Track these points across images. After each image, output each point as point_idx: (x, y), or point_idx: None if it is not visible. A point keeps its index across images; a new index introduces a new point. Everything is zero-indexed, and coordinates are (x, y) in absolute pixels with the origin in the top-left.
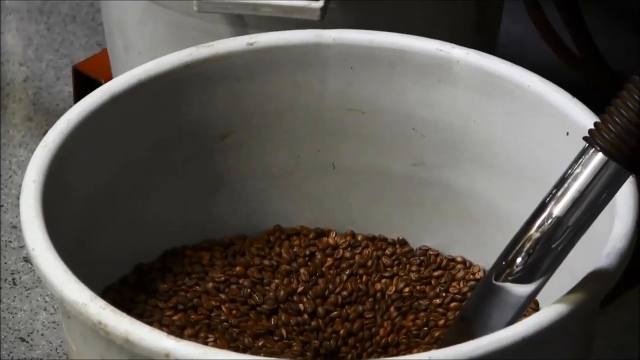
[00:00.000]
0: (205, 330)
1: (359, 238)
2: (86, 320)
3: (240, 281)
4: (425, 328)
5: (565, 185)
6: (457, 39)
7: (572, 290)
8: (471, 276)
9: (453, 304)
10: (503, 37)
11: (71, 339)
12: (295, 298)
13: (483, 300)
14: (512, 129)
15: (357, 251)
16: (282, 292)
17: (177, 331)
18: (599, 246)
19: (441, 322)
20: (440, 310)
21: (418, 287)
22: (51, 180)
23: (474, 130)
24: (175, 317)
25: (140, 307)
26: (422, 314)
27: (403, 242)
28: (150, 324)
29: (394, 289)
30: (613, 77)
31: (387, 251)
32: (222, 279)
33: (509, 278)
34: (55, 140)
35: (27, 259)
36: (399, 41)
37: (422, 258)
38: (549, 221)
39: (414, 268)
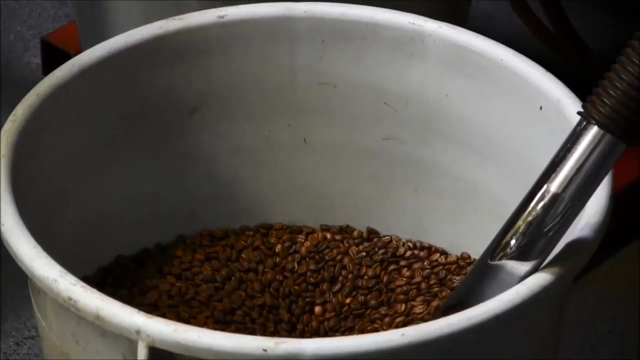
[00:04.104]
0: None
1: (328, 236)
2: (56, 296)
3: (253, 314)
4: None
5: (561, 161)
6: (428, 12)
7: (545, 267)
8: (427, 265)
9: (401, 297)
10: (473, 11)
11: (41, 315)
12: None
13: (479, 281)
14: (484, 104)
15: (324, 254)
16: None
17: None
18: (574, 222)
19: (376, 325)
20: (383, 311)
21: (362, 298)
22: (20, 155)
23: (446, 105)
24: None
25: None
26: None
27: (370, 233)
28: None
29: (336, 309)
30: (587, 53)
31: (351, 250)
32: (239, 304)
33: (507, 257)
34: (25, 114)
35: None
36: (371, 14)
37: (382, 252)
38: (547, 198)
39: (369, 273)
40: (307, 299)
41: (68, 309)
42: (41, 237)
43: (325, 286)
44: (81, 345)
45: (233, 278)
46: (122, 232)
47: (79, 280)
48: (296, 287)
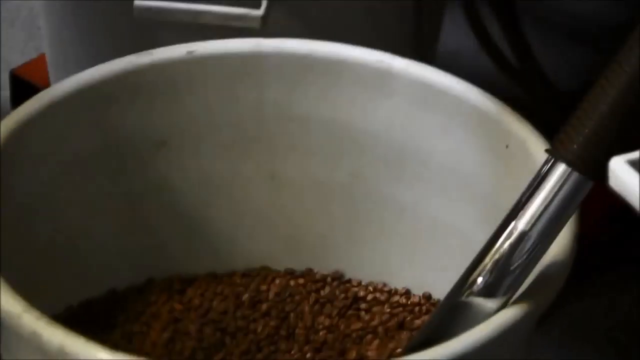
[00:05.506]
0: None
1: (291, 283)
2: (20, 331)
3: None
4: None
5: (529, 198)
6: (396, 48)
7: (510, 305)
8: (387, 308)
9: (355, 342)
10: (441, 46)
11: (4, 350)
12: None
13: (447, 319)
14: (451, 142)
15: (286, 303)
16: None
17: None
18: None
19: None
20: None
21: (310, 355)
22: None
23: (413, 143)
24: None
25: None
26: None
27: (335, 278)
28: None
29: None
30: (551, 89)
31: (311, 297)
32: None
33: (474, 294)
34: None
35: None
36: (340, 51)
37: (343, 298)
38: (514, 236)
39: (326, 323)
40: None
41: (32, 344)
42: (6, 270)
43: (283, 346)
44: None
45: (216, 342)
46: (88, 270)
47: (43, 315)
48: (259, 356)
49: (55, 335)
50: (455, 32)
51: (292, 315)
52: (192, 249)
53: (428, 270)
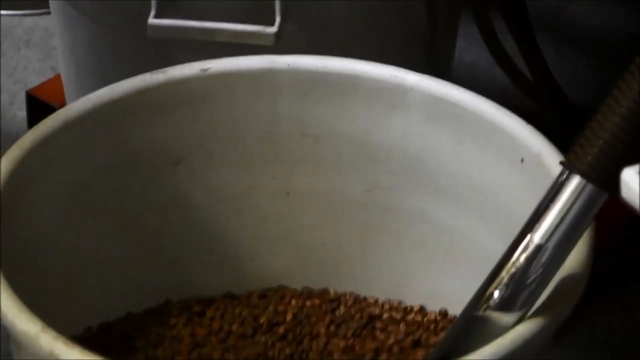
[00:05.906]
0: None
1: (307, 304)
2: (38, 352)
3: None
4: None
5: (544, 211)
6: (410, 63)
7: (527, 319)
8: (404, 326)
9: None
10: (455, 61)
11: None
12: None
13: (463, 334)
14: (466, 156)
15: (303, 325)
16: None
17: None
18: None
19: None
20: None
21: None
22: (3, 209)
23: (429, 156)
24: None
25: None
26: None
27: (350, 297)
28: None
29: None
30: (565, 102)
31: (326, 318)
32: None
33: (490, 308)
34: (8, 167)
35: None
36: (354, 67)
37: (359, 317)
38: (530, 249)
39: (341, 344)
40: None
41: None
42: (23, 292)
43: None
44: None
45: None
46: (105, 291)
47: (60, 335)
48: None
49: (72, 355)
50: (470, 45)
51: (306, 338)
52: (208, 267)
53: (445, 283)
